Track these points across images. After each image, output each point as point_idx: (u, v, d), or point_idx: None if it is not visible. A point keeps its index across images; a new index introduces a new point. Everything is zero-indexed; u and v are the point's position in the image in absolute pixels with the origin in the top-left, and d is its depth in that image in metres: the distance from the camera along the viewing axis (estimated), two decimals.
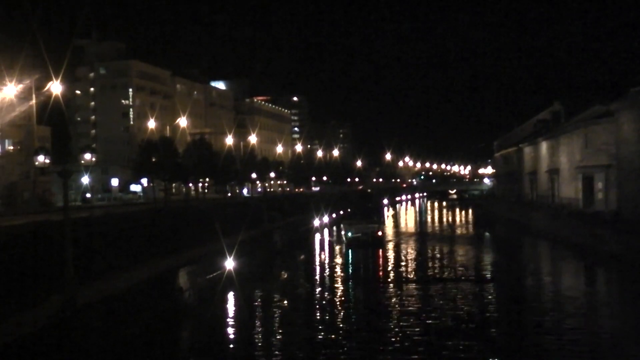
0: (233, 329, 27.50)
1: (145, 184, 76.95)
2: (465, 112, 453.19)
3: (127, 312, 26.00)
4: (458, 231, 74.28)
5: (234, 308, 31.44)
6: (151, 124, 77.14)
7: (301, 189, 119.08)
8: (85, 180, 77.48)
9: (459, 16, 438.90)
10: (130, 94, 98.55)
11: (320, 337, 24.36)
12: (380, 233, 58.02)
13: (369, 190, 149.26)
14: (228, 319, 29.26)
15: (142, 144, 63.08)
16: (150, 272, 31.79)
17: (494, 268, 41.77)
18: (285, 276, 41.22)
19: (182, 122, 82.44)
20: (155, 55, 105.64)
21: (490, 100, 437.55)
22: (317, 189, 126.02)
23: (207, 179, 79.27)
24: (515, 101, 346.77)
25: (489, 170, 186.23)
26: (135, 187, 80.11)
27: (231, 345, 24.90)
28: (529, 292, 33.41)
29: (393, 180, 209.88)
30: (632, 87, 49.28)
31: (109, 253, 30.98)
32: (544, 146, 74.17)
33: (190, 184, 77.84)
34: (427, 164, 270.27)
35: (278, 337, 25.44)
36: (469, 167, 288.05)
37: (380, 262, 46.53)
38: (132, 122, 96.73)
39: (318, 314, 28.72)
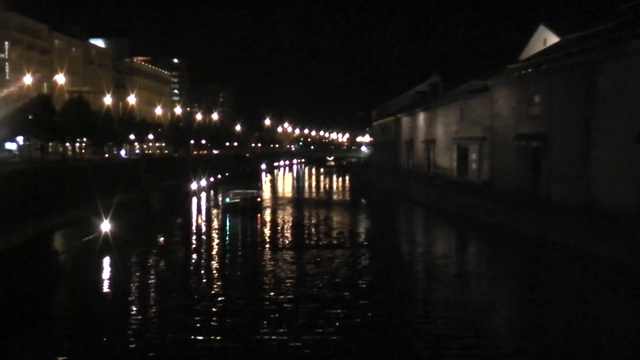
0: (108, 294, 25.95)
1: (22, 143, 72.03)
2: (345, 81, 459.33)
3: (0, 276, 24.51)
4: (335, 197, 74.77)
5: (109, 272, 29.83)
6: (28, 79, 71.62)
7: (202, 152, 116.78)
8: None
9: None
10: (7, 47, 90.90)
11: (195, 304, 23.14)
12: (259, 199, 57.12)
13: (247, 155, 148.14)
14: (103, 284, 27.66)
15: (18, 100, 59.42)
16: (26, 235, 30.48)
17: (369, 234, 42.06)
18: (162, 240, 39.68)
19: (60, 79, 77.22)
20: (32, 8, 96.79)
21: (369, 70, 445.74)
22: (217, 152, 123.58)
23: (85, 139, 75.78)
24: (394, 72, 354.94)
25: (367, 138, 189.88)
26: (10, 146, 74.41)
27: (105, 311, 23.14)
28: (403, 258, 33.73)
29: (272, 145, 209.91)
30: (508, 65, 51.09)
31: None
32: (421, 117, 75.90)
33: (68, 144, 74.02)
34: (306, 131, 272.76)
35: (152, 302, 23.98)
36: (347, 135, 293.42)
37: (258, 228, 45.55)
38: (7, 77, 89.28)
39: (194, 280, 27.41)
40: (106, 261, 31.48)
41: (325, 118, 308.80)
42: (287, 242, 38.51)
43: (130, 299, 24.57)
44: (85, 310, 22.88)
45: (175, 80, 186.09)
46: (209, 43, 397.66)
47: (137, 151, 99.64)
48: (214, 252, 35.47)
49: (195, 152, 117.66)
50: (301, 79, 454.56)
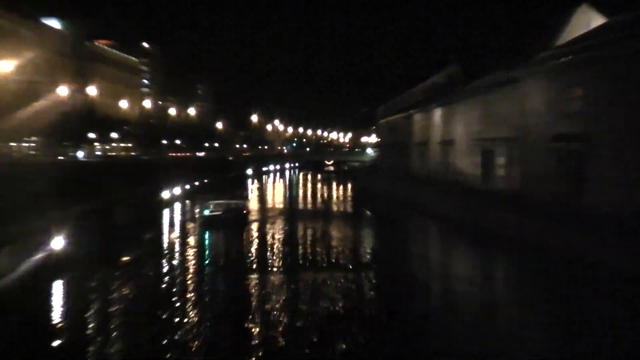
0: (60, 324, 25.22)
1: None
2: (347, 72, 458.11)
3: None
4: (335, 209, 74.31)
5: (62, 298, 29.23)
6: None
7: (178, 153, 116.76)
8: None
9: None
10: None
11: (165, 338, 22.49)
12: (244, 211, 56.61)
13: (231, 158, 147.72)
14: (54, 312, 26.95)
15: None
16: None
17: (374, 253, 41.75)
18: (126, 260, 38.83)
19: (6, 66, 76.36)
20: None
21: (376, 58, 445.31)
22: (201, 154, 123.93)
23: (35, 137, 75.27)
24: (405, 61, 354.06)
25: (373, 139, 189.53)
26: None
27: (56, 343, 22.70)
28: (415, 282, 33.16)
29: (260, 147, 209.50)
30: (543, 52, 50.37)
31: None
32: (437, 113, 75.26)
33: (13, 143, 73.45)
34: (301, 129, 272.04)
35: (114, 334, 23.36)
36: (349, 135, 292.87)
37: (243, 245, 45.05)
38: None
39: (164, 309, 26.59)
40: (56, 287, 30.71)
41: (323, 115, 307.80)
42: (278, 262, 37.95)
43: (87, 330, 23.85)
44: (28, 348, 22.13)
45: (146, 68, 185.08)
46: (186, 26, 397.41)
47: (98, 153, 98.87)
48: (190, 275, 34.80)
49: (171, 154, 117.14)
50: (295, 68, 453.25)
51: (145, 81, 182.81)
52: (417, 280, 34.06)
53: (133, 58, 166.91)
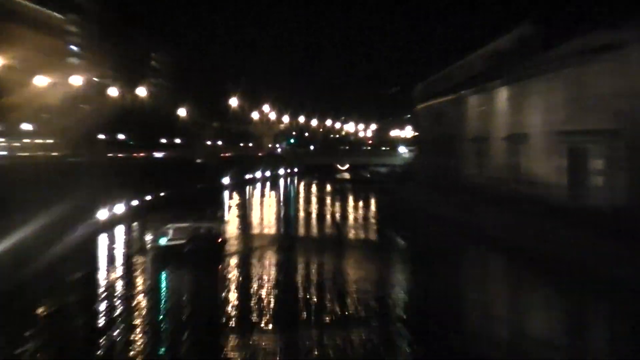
0: None
1: None
2: (370, 33, 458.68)
3: None
4: (351, 236, 74.23)
5: None
6: None
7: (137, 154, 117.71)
8: None
9: None
10: None
11: None
12: (219, 239, 56.61)
13: (200, 160, 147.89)
14: None
15: None
16: None
17: (410, 302, 42.03)
18: (45, 312, 38.59)
19: None
20: None
21: (412, 13, 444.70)
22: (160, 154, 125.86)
23: None
24: (455, 18, 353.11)
25: (408, 132, 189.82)
26: None
27: None
28: (473, 346, 32.75)
29: (243, 144, 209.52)
30: None
31: None
32: (502, 95, 75.08)
33: None
34: (302, 119, 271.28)
35: None
36: (373, 127, 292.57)
37: (218, 289, 45.03)
38: None
39: None
40: None
41: (336, 99, 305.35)
42: (268, 317, 37.90)
43: None
44: None
45: (75, 29, 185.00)
46: None
47: (3, 152, 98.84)
48: (136, 335, 34.43)
49: (111, 155, 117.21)
50: (296, 30, 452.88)
51: (75, 47, 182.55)
52: (473, 340, 33.72)
53: (57, 15, 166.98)
